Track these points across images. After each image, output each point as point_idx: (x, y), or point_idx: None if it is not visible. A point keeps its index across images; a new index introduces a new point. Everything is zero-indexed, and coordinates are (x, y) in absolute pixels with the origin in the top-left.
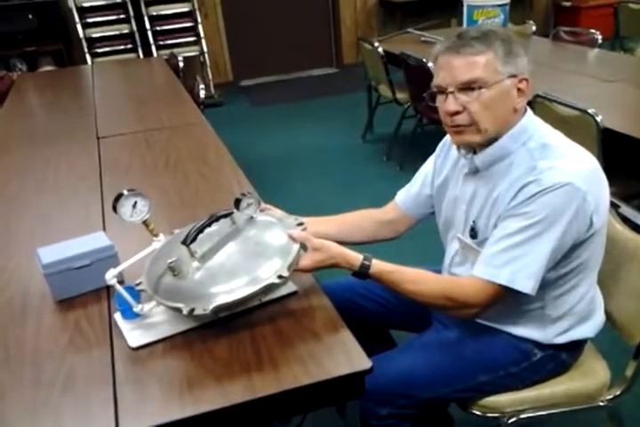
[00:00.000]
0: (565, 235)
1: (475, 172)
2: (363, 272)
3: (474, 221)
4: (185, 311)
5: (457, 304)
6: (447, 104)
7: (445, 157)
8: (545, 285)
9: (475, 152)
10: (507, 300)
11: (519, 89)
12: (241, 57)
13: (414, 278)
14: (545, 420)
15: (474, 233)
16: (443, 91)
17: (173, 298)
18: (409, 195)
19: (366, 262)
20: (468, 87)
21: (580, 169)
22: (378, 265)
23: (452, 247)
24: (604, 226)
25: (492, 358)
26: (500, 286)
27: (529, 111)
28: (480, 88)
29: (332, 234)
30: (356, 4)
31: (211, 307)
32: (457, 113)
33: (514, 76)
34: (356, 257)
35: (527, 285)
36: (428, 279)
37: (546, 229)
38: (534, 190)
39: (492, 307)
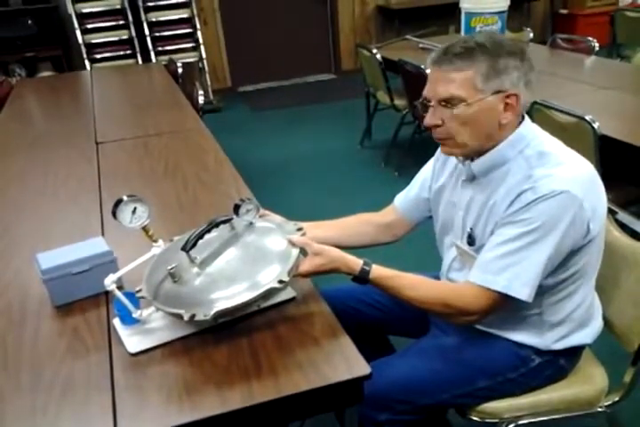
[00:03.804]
0: (562, 242)
1: (472, 178)
2: (363, 277)
3: (471, 228)
4: (186, 317)
5: (455, 311)
6: (426, 117)
7: (444, 162)
8: (542, 291)
9: (472, 159)
10: (504, 306)
11: (508, 104)
12: (239, 63)
13: (414, 284)
14: (543, 426)
15: (471, 240)
16: (428, 102)
17: (174, 304)
18: (407, 198)
19: (366, 268)
20: (446, 103)
21: (576, 176)
22: (378, 270)
23: (450, 253)
24: (601, 233)
25: (490, 363)
26: (496, 292)
27: (527, 119)
28: (457, 105)
29: (331, 238)
30: (354, 10)
31: (212, 312)
32: (436, 126)
33: (499, 91)
34: (356, 262)
35: (523, 292)
36: (427, 286)
37: (543, 236)
38: (531, 198)
39: (492, 314)
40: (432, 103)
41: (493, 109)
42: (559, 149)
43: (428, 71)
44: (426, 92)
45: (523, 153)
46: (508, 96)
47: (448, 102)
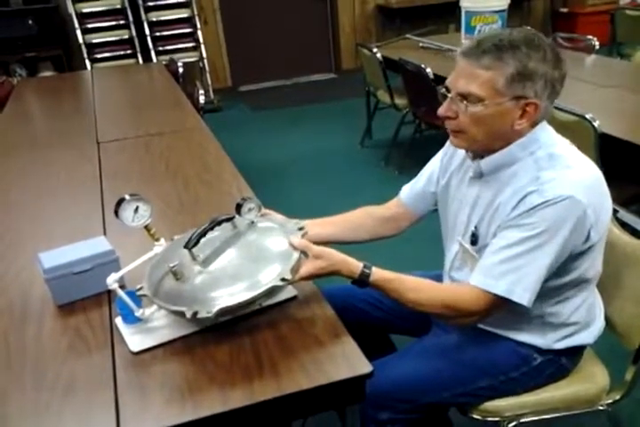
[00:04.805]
0: (564, 247)
1: (479, 176)
2: (363, 280)
3: (475, 227)
4: (188, 315)
5: (456, 313)
6: (441, 107)
7: (452, 156)
8: (543, 295)
9: (481, 157)
10: (505, 309)
11: (526, 111)
12: (240, 62)
13: (414, 287)
14: (545, 424)
15: (474, 239)
16: (447, 91)
17: (175, 302)
18: (413, 190)
19: (367, 270)
20: (463, 98)
21: (582, 182)
22: (378, 273)
23: (453, 249)
24: (602, 240)
25: (492, 362)
26: (497, 296)
27: (544, 122)
28: (474, 103)
29: (333, 235)
30: (354, 9)
31: (214, 310)
32: (448, 118)
33: (519, 98)
34: (356, 265)
35: (524, 296)
36: (427, 288)
37: (546, 241)
38: (536, 202)
39: (491, 316)
40: (451, 94)
41: (509, 114)
42: (569, 153)
43: (457, 59)
44: (448, 80)
45: (534, 155)
46: (527, 104)
47: (465, 98)
